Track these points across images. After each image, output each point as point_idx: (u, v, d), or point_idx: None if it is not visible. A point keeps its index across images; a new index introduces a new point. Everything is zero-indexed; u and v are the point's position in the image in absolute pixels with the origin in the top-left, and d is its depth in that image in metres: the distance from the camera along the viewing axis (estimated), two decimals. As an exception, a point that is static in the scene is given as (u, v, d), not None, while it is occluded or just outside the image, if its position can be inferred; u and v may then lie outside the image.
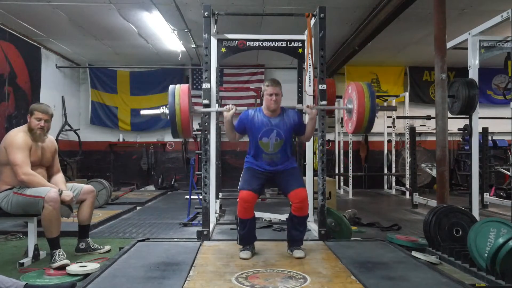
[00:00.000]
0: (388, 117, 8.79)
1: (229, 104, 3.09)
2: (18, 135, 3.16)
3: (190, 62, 8.86)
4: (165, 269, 2.60)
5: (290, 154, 3.14)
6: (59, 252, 3.04)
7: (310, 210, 3.72)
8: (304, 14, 3.83)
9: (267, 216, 4.71)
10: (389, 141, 8.84)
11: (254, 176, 3.05)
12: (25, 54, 6.74)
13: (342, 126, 8.53)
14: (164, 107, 3.02)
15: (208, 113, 3.62)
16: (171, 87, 3.05)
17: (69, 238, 3.60)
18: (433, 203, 5.23)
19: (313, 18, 3.80)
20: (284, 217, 4.58)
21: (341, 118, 8.59)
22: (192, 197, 5.25)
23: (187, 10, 5.83)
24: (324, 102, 3.56)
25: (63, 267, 2.89)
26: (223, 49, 4.02)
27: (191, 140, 8.97)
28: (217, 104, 4.08)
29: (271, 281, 2.40)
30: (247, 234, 2.98)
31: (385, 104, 8.87)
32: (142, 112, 3.20)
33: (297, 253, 2.95)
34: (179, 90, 3.00)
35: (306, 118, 3.19)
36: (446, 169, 4.22)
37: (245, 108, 3.21)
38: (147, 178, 9.33)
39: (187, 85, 3.09)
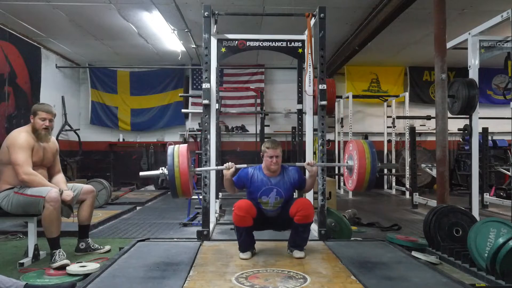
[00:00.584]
0: (388, 117, 8.79)
1: (228, 163, 3.04)
2: (21, 135, 3.17)
3: (190, 62, 8.88)
4: (165, 269, 2.60)
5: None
6: (59, 252, 3.05)
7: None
8: (304, 14, 3.83)
9: (267, 216, 4.71)
10: (389, 141, 8.83)
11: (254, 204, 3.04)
12: (25, 54, 6.74)
13: (342, 126, 8.54)
14: (163, 168, 2.96)
15: (208, 113, 3.62)
16: (169, 148, 2.99)
17: (69, 238, 3.60)
18: (433, 203, 5.23)
19: (313, 18, 3.80)
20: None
21: (341, 118, 8.61)
22: (192, 197, 5.25)
23: (187, 10, 5.83)
24: (324, 102, 3.55)
25: (63, 267, 2.89)
26: (223, 49, 4.02)
27: (191, 140, 8.98)
28: (217, 106, 4.09)
29: (271, 281, 2.40)
30: (244, 241, 2.95)
31: (385, 103, 8.89)
32: (141, 173, 3.15)
33: (297, 253, 2.94)
34: (178, 152, 2.94)
35: (307, 173, 3.15)
36: (446, 169, 4.22)
37: (245, 165, 3.16)
38: (147, 178, 9.33)
39: (185, 145, 3.04)
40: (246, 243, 2.97)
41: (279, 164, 3.03)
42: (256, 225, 2.96)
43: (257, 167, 3.12)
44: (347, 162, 3.34)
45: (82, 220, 3.44)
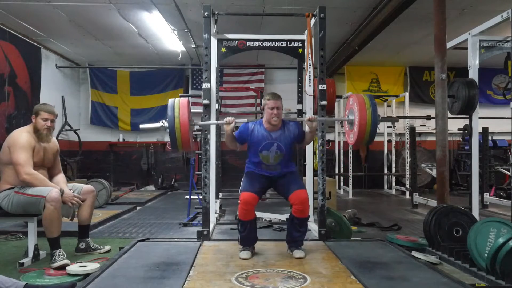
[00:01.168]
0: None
1: (229, 117, 3.06)
2: (22, 135, 3.17)
3: (190, 62, 8.87)
4: (165, 269, 2.60)
5: (289, 161, 3.16)
6: (59, 252, 3.05)
7: (310, 210, 3.72)
8: (304, 14, 3.83)
9: (267, 216, 4.71)
10: (389, 141, 8.84)
11: (254, 179, 3.07)
12: (25, 54, 6.74)
13: (342, 126, 8.54)
14: (164, 120, 3.01)
15: (208, 113, 3.62)
16: (170, 100, 3.03)
17: (69, 238, 3.60)
18: (433, 203, 5.23)
19: (313, 18, 3.80)
20: (284, 217, 4.58)
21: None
22: (192, 197, 5.25)
23: (187, 10, 5.83)
24: (324, 102, 3.56)
25: (63, 267, 2.89)
26: (223, 49, 4.02)
27: (191, 140, 8.97)
28: (217, 106, 4.08)
29: (271, 281, 2.40)
30: (247, 235, 2.99)
31: (385, 103, 8.89)
32: (141, 126, 3.15)
33: (297, 253, 2.95)
34: (179, 104, 2.97)
35: (306, 128, 3.18)
36: (446, 169, 4.22)
37: (245, 120, 3.18)
38: (147, 178, 9.33)
39: (186, 98, 3.09)
40: (249, 238, 3.00)
41: (280, 117, 3.04)
42: (260, 192, 3.02)
43: (257, 122, 3.13)
44: (348, 117, 3.33)
45: (82, 220, 3.43)
